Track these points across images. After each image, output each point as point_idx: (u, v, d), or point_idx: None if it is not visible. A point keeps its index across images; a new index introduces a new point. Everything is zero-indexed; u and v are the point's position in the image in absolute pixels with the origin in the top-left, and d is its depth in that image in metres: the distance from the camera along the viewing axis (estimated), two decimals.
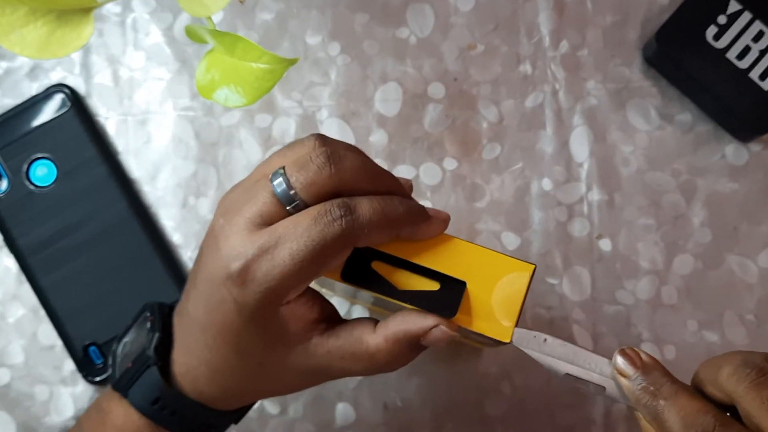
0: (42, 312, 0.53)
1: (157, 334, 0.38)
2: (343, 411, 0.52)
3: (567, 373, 0.35)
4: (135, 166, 0.55)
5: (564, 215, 0.54)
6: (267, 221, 0.34)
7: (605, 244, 0.54)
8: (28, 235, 0.53)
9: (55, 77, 0.56)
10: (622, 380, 0.34)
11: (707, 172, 0.55)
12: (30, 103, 0.54)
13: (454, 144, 0.55)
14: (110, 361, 0.39)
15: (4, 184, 0.53)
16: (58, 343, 0.53)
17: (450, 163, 0.55)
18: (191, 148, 0.55)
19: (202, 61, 0.42)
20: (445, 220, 0.36)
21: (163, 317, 0.39)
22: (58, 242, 0.53)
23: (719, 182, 0.55)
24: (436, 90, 0.56)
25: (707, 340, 0.53)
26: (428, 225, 0.36)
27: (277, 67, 0.39)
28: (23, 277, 0.53)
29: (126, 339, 0.39)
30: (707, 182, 0.55)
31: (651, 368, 0.34)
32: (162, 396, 0.37)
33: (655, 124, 0.55)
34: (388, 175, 0.36)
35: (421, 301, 0.36)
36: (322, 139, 0.35)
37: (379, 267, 0.36)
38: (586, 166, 0.55)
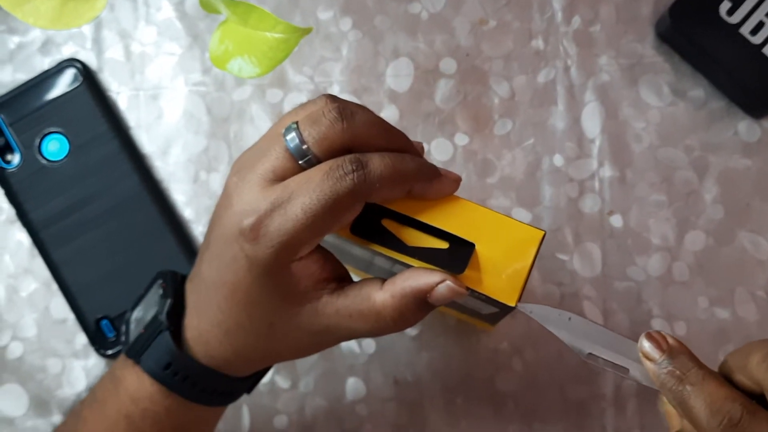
0: (54, 286, 0.53)
1: (169, 300, 0.38)
2: (353, 385, 0.53)
3: (590, 353, 0.35)
4: (146, 140, 0.55)
5: (575, 191, 0.54)
6: (280, 176, 0.34)
7: (616, 221, 0.54)
8: (40, 209, 0.53)
9: (66, 52, 0.56)
10: (648, 364, 0.34)
11: (720, 149, 0.54)
12: (42, 78, 0.54)
13: (466, 120, 0.55)
14: (123, 329, 0.40)
15: (17, 158, 0.53)
16: (71, 316, 0.53)
17: (461, 139, 0.55)
18: (203, 123, 0.55)
19: (216, 32, 0.42)
20: (456, 180, 0.36)
21: (175, 284, 0.39)
22: (70, 216, 0.53)
23: (732, 159, 0.54)
24: (448, 65, 0.55)
25: (718, 316, 0.53)
26: (439, 183, 0.36)
27: (291, 36, 0.39)
28: (36, 251, 0.53)
29: (139, 306, 0.40)
30: (720, 159, 0.54)
31: (678, 352, 0.33)
32: (173, 361, 0.37)
33: (667, 101, 0.55)
34: (399, 132, 0.36)
35: (429, 257, 0.36)
36: (333, 97, 0.35)
37: (389, 225, 0.36)
38: (597, 142, 0.55)
